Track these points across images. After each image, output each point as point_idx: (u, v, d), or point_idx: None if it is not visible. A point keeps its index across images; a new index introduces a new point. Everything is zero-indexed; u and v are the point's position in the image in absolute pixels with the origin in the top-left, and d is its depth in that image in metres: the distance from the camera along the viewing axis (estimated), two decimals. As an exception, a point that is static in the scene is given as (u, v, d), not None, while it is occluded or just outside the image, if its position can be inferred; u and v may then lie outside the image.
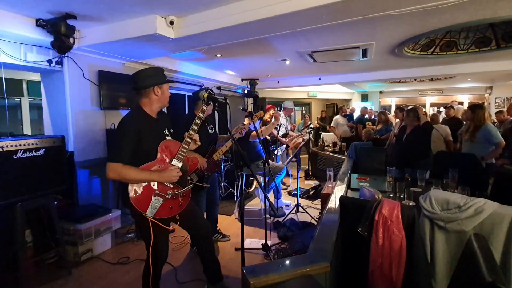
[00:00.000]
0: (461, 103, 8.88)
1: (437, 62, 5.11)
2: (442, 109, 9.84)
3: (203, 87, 5.27)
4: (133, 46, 3.11)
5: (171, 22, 2.60)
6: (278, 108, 6.41)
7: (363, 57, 4.44)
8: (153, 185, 1.74)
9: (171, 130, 1.96)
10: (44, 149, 2.50)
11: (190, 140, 1.82)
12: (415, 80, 7.82)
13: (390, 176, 3.04)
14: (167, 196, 1.75)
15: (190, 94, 4.98)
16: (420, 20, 2.83)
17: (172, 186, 1.78)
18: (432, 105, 10.71)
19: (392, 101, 11.09)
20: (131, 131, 1.70)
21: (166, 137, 1.86)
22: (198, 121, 1.83)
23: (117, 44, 3.05)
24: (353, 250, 1.78)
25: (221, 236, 3.22)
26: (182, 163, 1.81)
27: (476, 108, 3.37)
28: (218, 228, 3.24)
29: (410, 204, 2.31)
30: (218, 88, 6.08)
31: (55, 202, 2.64)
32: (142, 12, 2.57)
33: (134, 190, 1.71)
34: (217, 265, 2.20)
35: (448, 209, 1.78)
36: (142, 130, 1.72)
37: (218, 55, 4.10)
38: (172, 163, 1.78)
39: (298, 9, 2.14)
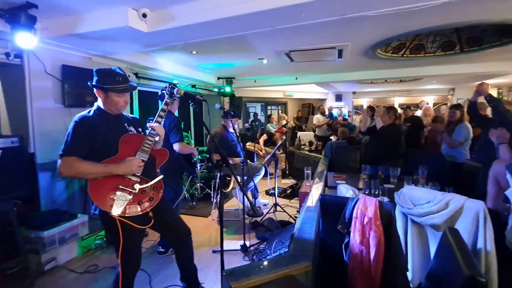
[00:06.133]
0: (427, 103, 9.46)
1: (407, 64, 5.36)
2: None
3: (175, 84, 5.11)
4: (101, 39, 2.92)
5: (144, 15, 2.46)
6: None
7: (338, 58, 4.53)
8: (117, 179, 1.61)
9: (140, 129, 1.87)
10: (0, 150, 2.27)
11: (154, 132, 1.74)
12: (385, 81, 8.16)
13: (365, 174, 3.13)
14: (134, 191, 1.64)
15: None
16: (394, 23, 2.93)
17: (138, 179, 1.67)
18: (400, 105, 11.27)
19: (364, 101, 11.51)
20: (84, 124, 1.62)
21: (129, 131, 1.77)
22: (162, 114, 1.79)
23: (83, 37, 2.85)
24: (334, 247, 1.79)
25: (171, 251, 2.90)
26: (148, 156, 1.71)
27: (458, 108, 3.62)
28: None
29: (385, 200, 2.37)
30: (193, 86, 5.92)
31: (15, 208, 2.41)
32: (112, 2, 2.41)
33: (95, 185, 1.58)
34: (195, 271, 2.12)
35: (420, 204, 1.85)
36: (96, 124, 1.65)
37: (194, 52, 3.98)
38: (136, 156, 1.68)
39: (279, 5, 2.11)
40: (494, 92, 8.29)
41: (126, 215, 1.60)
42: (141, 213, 1.65)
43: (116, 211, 1.57)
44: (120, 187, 1.61)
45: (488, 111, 3.27)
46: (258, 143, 6.22)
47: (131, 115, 1.98)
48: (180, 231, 2.01)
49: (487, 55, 4.53)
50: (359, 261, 1.58)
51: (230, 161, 3.45)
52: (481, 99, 3.08)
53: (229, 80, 6.22)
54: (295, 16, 2.38)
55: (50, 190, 3.14)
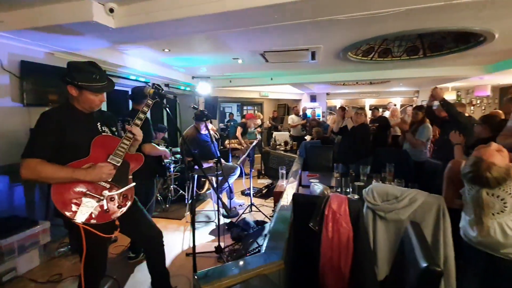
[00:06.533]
0: (394, 105, 9.99)
1: (376, 67, 5.61)
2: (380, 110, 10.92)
3: (148, 83, 4.95)
4: (64, 34, 2.75)
5: (111, 10, 2.35)
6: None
7: (312, 60, 4.63)
8: (84, 183, 1.52)
9: (114, 128, 1.78)
10: None
11: (131, 136, 1.65)
12: (357, 83, 8.48)
13: (337, 172, 3.23)
14: (101, 198, 1.55)
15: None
16: (362, 27, 3.05)
17: (108, 185, 1.58)
18: (371, 106, 11.78)
19: (337, 102, 11.89)
20: (51, 123, 1.50)
21: (103, 133, 1.67)
22: (142, 116, 1.70)
23: (44, 32, 2.66)
24: (306, 245, 1.83)
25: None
26: (121, 161, 1.62)
27: (420, 109, 3.86)
28: None
29: (355, 197, 2.46)
30: (167, 85, 5.77)
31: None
32: (76, -5, 2.28)
33: (59, 190, 1.48)
34: (167, 276, 2.05)
35: (387, 200, 1.94)
36: (65, 123, 1.53)
37: (166, 50, 3.87)
38: (109, 160, 1.59)
39: (251, 6, 2.11)
40: (453, 95, 8.93)
41: (91, 222, 1.51)
42: (107, 221, 1.57)
43: (80, 218, 1.48)
44: (87, 192, 1.52)
45: None
46: (237, 138, 6.21)
47: (105, 111, 1.84)
48: (151, 235, 1.93)
49: (446, 60, 4.86)
50: (329, 257, 1.63)
51: (206, 164, 3.41)
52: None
53: (204, 80, 6.13)
54: (267, 17, 2.40)
55: (8, 195, 2.91)
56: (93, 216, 1.52)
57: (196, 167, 1.73)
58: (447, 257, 1.71)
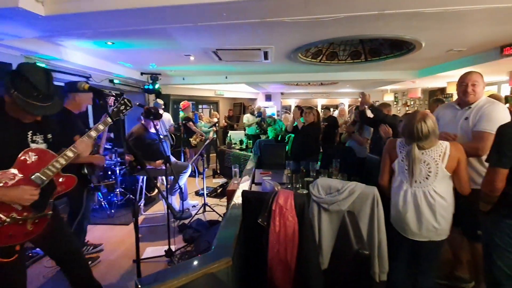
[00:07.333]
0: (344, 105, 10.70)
1: (324, 69, 5.95)
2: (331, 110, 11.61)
3: (90, 78, 4.56)
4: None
5: (40, -5, 2.11)
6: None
7: (264, 59, 4.72)
8: None
9: (49, 136, 1.55)
10: None
11: (72, 155, 1.45)
12: (309, 83, 8.89)
13: (288, 169, 3.35)
14: (7, 220, 1.34)
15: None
16: (309, 30, 3.20)
17: (20, 207, 1.38)
18: (323, 106, 12.46)
19: (292, 102, 12.34)
20: None
21: (32, 143, 1.46)
22: (100, 127, 1.52)
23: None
24: (256, 241, 1.86)
25: (92, 247, 2.79)
26: (47, 181, 1.41)
27: None
28: (86, 240, 2.79)
29: (304, 192, 2.58)
30: (111, 81, 5.36)
31: None
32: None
33: None
34: None
35: (330, 193, 2.08)
36: None
37: (109, 43, 3.60)
38: (32, 178, 1.37)
39: (196, 2, 2.07)
40: (391, 96, 9.90)
41: None
42: (5, 245, 1.37)
43: None
44: None
45: None
46: (194, 133, 6.09)
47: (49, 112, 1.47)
48: (70, 250, 1.75)
49: (385, 64, 5.37)
50: (277, 250, 1.68)
51: (150, 166, 3.24)
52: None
53: (155, 76, 5.84)
54: (215, 14, 2.38)
55: None
56: None
57: (139, 167, 1.63)
58: (381, 242, 1.89)
